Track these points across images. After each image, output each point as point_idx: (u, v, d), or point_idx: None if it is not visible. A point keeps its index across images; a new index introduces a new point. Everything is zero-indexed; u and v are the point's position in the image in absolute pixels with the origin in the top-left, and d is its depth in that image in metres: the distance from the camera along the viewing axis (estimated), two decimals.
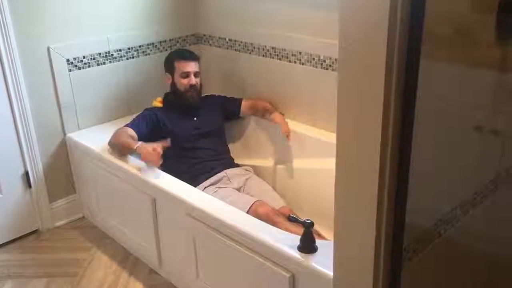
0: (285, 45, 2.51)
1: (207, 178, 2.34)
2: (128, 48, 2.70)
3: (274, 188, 2.43)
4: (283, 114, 2.56)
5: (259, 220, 1.84)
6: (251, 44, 2.68)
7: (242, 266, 1.77)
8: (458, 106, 1.20)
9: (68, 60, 2.49)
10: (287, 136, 2.45)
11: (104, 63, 2.63)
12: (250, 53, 2.70)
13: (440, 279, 1.32)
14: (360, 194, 1.04)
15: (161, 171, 2.24)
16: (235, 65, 2.83)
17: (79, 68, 2.54)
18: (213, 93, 2.73)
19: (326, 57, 2.34)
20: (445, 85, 1.12)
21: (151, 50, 2.79)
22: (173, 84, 2.46)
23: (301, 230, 1.59)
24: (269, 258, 1.63)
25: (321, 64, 2.38)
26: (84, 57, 2.54)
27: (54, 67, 2.45)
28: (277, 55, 2.57)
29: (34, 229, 2.60)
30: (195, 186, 2.18)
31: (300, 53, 2.45)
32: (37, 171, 2.53)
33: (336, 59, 2.23)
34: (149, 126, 2.37)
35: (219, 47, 2.88)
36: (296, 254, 1.56)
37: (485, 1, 1.17)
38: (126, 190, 2.26)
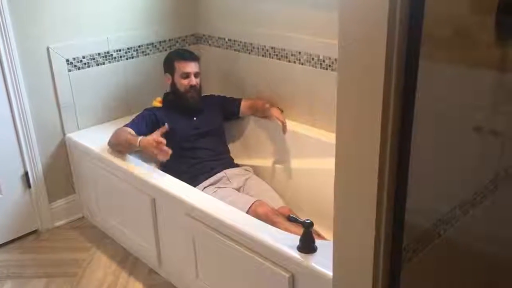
0: (285, 45, 2.51)
1: (206, 178, 2.34)
2: (128, 48, 2.70)
3: (274, 188, 2.43)
4: (282, 111, 2.55)
5: (258, 220, 1.84)
6: (251, 44, 2.68)
7: (242, 266, 1.77)
8: (457, 106, 1.20)
9: (67, 60, 2.49)
10: (283, 129, 2.44)
11: (104, 63, 2.63)
12: (249, 53, 2.71)
13: (439, 279, 1.32)
14: (359, 194, 1.04)
15: (161, 171, 2.25)
16: (235, 65, 2.83)
17: (79, 68, 2.54)
18: (213, 93, 2.73)
19: (325, 57, 2.35)
20: (444, 85, 1.12)
21: (150, 50, 2.79)
22: (173, 85, 2.46)
23: (300, 230, 1.59)
24: (269, 258, 1.64)
25: (321, 64, 2.38)
26: (83, 57, 2.54)
27: (53, 67, 2.45)
28: (277, 55, 2.57)
29: (34, 229, 2.60)
30: (194, 186, 2.18)
31: (299, 53, 2.45)
32: (36, 171, 2.53)
33: (335, 59, 2.24)
34: (148, 126, 2.37)
35: (219, 47, 2.88)
36: (295, 254, 1.56)
37: (484, 2, 1.17)
38: (125, 190, 2.26)
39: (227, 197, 2.15)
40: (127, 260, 2.39)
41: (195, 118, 2.48)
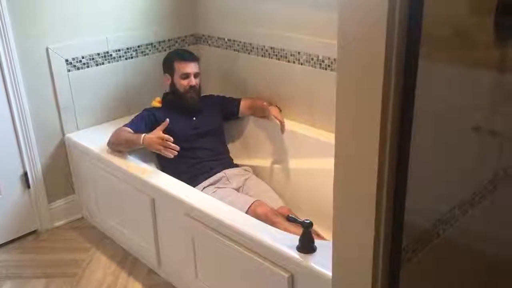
0: (284, 45, 2.51)
1: (206, 178, 2.34)
2: (127, 48, 2.70)
3: (273, 188, 2.43)
4: (280, 111, 2.55)
5: (258, 220, 1.84)
6: (250, 44, 2.68)
7: (241, 266, 1.77)
8: (456, 106, 1.20)
9: (67, 60, 2.49)
10: (281, 128, 2.44)
11: (103, 63, 2.63)
12: (249, 53, 2.71)
13: (439, 279, 1.32)
14: (358, 194, 1.04)
15: (160, 171, 2.25)
16: (234, 65, 2.83)
17: (78, 69, 2.54)
18: (212, 93, 2.73)
19: (325, 57, 2.35)
20: (443, 85, 1.12)
21: (150, 50, 2.79)
22: (173, 85, 2.46)
23: (300, 230, 1.59)
24: (268, 258, 1.64)
25: (320, 64, 2.38)
26: (83, 58, 2.54)
27: (53, 67, 2.45)
28: (276, 55, 2.57)
29: (33, 229, 2.60)
30: (194, 186, 2.19)
31: (299, 53, 2.45)
32: (36, 171, 2.52)
33: (334, 59, 2.24)
34: (148, 126, 2.37)
35: (218, 47, 2.88)
36: (295, 254, 1.56)
37: (483, 3, 1.18)
38: (125, 190, 2.26)
39: (227, 197, 2.15)
40: (127, 260, 2.39)
41: (194, 118, 2.48)
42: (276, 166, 2.58)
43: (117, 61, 2.67)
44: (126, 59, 2.71)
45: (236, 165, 2.52)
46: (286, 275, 1.58)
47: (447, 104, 1.16)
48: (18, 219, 2.54)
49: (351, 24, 0.94)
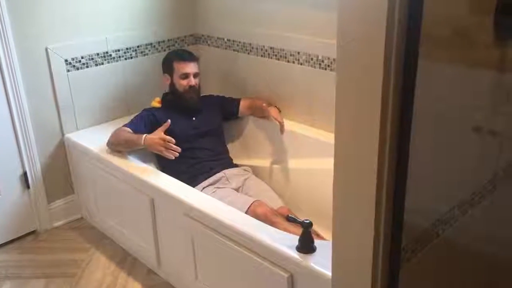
0: (284, 45, 2.51)
1: (205, 178, 2.34)
2: (127, 49, 2.70)
3: (273, 188, 2.43)
4: (280, 111, 2.55)
5: (257, 220, 1.84)
6: (250, 44, 2.68)
7: (241, 267, 1.77)
8: (456, 106, 1.20)
9: (66, 60, 2.49)
10: (280, 129, 2.44)
11: (103, 64, 2.62)
12: (248, 53, 2.71)
13: (438, 279, 1.32)
14: (358, 194, 1.04)
15: (160, 171, 2.25)
16: (234, 65, 2.83)
17: (77, 69, 2.54)
18: (212, 93, 2.73)
19: (324, 57, 2.35)
20: (443, 85, 1.12)
21: (149, 51, 2.79)
22: (172, 85, 2.46)
23: (299, 230, 1.59)
24: (268, 258, 1.64)
25: (320, 64, 2.38)
26: (82, 58, 2.54)
27: (52, 67, 2.45)
28: (276, 55, 2.57)
29: (32, 229, 2.60)
30: (193, 186, 2.19)
31: (298, 53, 2.45)
32: (35, 171, 2.52)
33: (334, 59, 2.23)
34: (147, 127, 2.36)
35: (218, 47, 2.88)
36: (294, 254, 1.56)
37: (483, 3, 1.18)
38: (124, 190, 2.26)
39: (226, 197, 2.15)
40: (126, 260, 2.38)
41: (194, 118, 2.48)
42: (275, 166, 2.58)
43: (117, 61, 2.67)
44: (125, 59, 2.71)
45: (236, 165, 2.52)
46: (286, 275, 1.58)
47: (446, 104, 1.16)
48: (18, 219, 2.54)
49: (350, 23, 0.94)
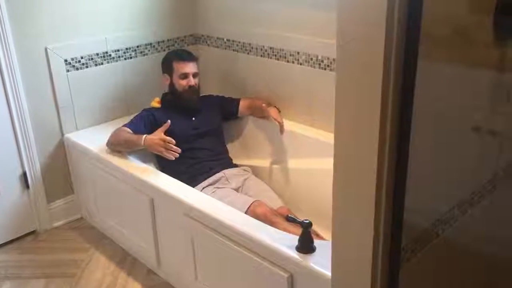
0: (283, 45, 2.51)
1: (205, 179, 2.34)
2: (126, 49, 2.70)
3: (272, 188, 2.43)
4: (279, 111, 2.55)
5: (257, 220, 1.84)
6: (249, 44, 2.68)
7: (241, 267, 1.77)
8: (455, 106, 1.20)
9: (66, 60, 2.49)
10: (280, 130, 2.43)
11: (102, 64, 2.62)
12: (248, 53, 2.71)
13: (438, 279, 1.32)
14: (358, 194, 1.04)
15: (159, 171, 2.25)
16: (233, 65, 2.83)
17: (77, 69, 2.54)
18: (211, 93, 2.73)
19: (324, 57, 2.35)
20: (443, 85, 1.12)
21: (149, 51, 2.79)
22: (172, 85, 2.46)
23: (299, 230, 1.59)
24: (267, 259, 1.63)
25: (319, 64, 2.38)
26: (82, 58, 2.54)
27: (52, 67, 2.45)
28: (275, 55, 2.57)
29: (32, 229, 2.60)
30: (193, 187, 2.18)
31: (298, 53, 2.45)
32: (35, 171, 2.52)
33: (334, 59, 2.24)
34: (147, 127, 2.36)
35: (217, 47, 2.88)
36: (294, 254, 1.56)
37: (482, 2, 1.18)
38: (124, 191, 2.26)
39: (226, 197, 2.15)
40: (126, 260, 2.38)
41: (193, 119, 2.48)
42: (275, 166, 2.58)
43: (116, 61, 2.67)
44: (125, 59, 2.71)
45: (236, 165, 2.52)
46: (286, 275, 1.58)
47: (446, 104, 1.16)
48: (17, 219, 2.54)
49: (350, 23, 0.94)
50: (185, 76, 2.41)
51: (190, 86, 2.42)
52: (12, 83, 2.34)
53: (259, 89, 2.71)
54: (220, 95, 2.71)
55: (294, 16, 2.42)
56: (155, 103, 2.52)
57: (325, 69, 2.36)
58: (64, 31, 2.46)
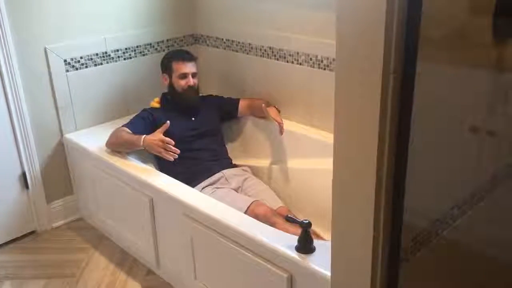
0: (283, 45, 2.51)
1: (205, 179, 2.34)
2: (126, 49, 2.70)
3: (272, 188, 2.43)
4: (279, 111, 2.55)
5: (257, 221, 1.84)
6: (249, 44, 2.68)
7: (240, 267, 1.77)
8: (454, 106, 1.20)
9: (65, 60, 2.49)
10: (280, 130, 2.43)
11: (102, 64, 2.62)
12: (247, 53, 2.71)
13: (438, 279, 1.32)
14: (357, 194, 1.04)
15: (159, 171, 2.25)
16: (233, 65, 2.83)
17: (77, 69, 2.54)
18: (211, 93, 2.73)
19: (323, 57, 2.35)
20: (442, 85, 1.12)
21: (148, 51, 2.79)
22: (171, 85, 2.46)
23: (299, 230, 1.59)
24: (267, 259, 1.63)
25: (319, 64, 2.38)
26: (81, 58, 2.54)
27: (51, 67, 2.44)
28: (275, 55, 2.57)
29: (32, 230, 2.60)
30: (193, 187, 2.18)
31: (297, 53, 2.45)
32: (34, 172, 2.52)
33: (333, 59, 2.23)
34: (146, 127, 2.36)
35: (217, 47, 2.88)
36: (294, 254, 1.56)
37: (482, 3, 1.18)
38: (123, 191, 2.26)
39: (226, 198, 2.15)
40: (125, 261, 2.38)
41: (193, 119, 2.48)
42: (275, 166, 2.58)
43: (116, 61, 2.67)
44: (124, 59, 2.71)
45: (235, 165, 2.52)
46: (285, 276, 1.58)
47: (445, 104, 1.16)
48: (17, 220, 2.54)
49: (349, 24, 0.94)
50: (184, 76, 2.42)
51: (189, 86, 2.42)
52: (12, 84, 2.34)
53: (258, 89, 2.71)
54: (220, 95, 2.71)
55: (294, 16, 2.42)
56: (155, 103, 2.52)
57: (324, 69, 2.36)
58: (64, 31, 2.46)
